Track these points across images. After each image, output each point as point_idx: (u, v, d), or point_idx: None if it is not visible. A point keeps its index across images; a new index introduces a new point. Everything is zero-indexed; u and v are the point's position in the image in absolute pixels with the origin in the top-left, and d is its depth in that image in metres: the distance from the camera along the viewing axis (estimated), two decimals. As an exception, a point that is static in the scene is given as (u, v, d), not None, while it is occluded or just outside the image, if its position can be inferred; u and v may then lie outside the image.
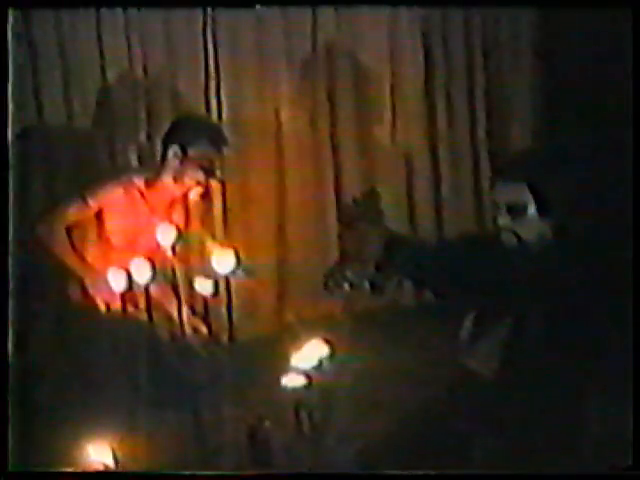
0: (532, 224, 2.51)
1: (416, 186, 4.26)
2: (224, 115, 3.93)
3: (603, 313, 2.43)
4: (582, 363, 2.46)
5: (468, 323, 2.67)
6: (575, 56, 4.00)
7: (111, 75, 3.79)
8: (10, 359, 2.78)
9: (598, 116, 3.86)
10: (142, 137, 3.85)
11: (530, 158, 2.71)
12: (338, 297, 2.61)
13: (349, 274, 2.52)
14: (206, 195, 3.48)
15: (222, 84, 3.95)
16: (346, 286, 2.54)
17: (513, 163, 2.72)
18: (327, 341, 2.53)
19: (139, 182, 3.34)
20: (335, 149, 4.11)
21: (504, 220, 2.53)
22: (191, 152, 3.31)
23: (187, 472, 2.47)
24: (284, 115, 4.04)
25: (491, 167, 4.19)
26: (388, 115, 4.19)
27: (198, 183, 3.34)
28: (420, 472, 2.33)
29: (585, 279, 2.41)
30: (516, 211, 2.51)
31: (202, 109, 3.92)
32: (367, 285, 2.53)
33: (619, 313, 2.45)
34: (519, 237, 2.52)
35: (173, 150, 3.32)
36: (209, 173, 3.34)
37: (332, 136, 4.11)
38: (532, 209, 2.50)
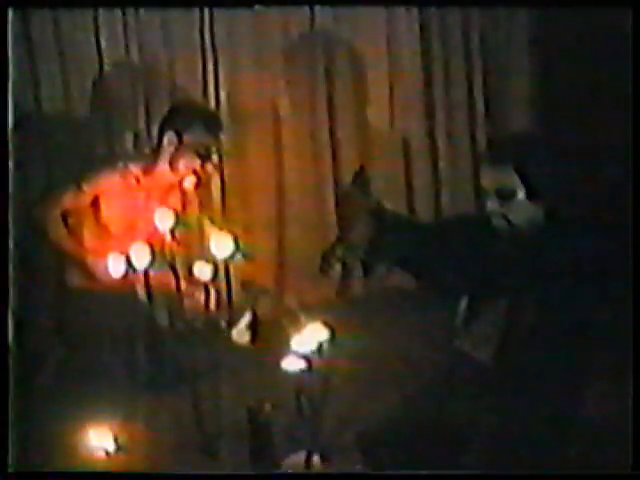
0: (522, 208, 2.50)
1: (413, 170, 4.26)
2: (222, 101, 3.93)
3: (598, 295, 2.43)
4: (578, 345, 2.47)
5: (463, 307, 2.67)
6: (572, 45, 4.01)
7: (108, 63, 3.79)
8: (10, 346, 2.79)
9: (594, 105, 3.88)
10: (140, 124, 3.85)
11: (517, 142, 2.70)
12: (332, 278, 2.60)
13: (341, 255, 2.51)
14: (203, 182, 3.47)
15: (219, 70, 3.94)
16: (338, 267, 2.53)
17: (500, 148, 2.71)
18: (327, 324, 2.53)
19: (135, 169, 3.34)
20: (333, 133, 4.11)
21: (493, 205, 2.53)
22: (186, 138, 3.31)
23: (187, 472, 2.48)
24: (282, 100, 4.03)
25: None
26: (386, 100, 4.18)
27: (194, 170, 3.34)
28: (421, 472, 2.33)
29: (578, 261, 2.41)
30: (505, 195, 2.50)
31: (199, 96, 3.90)
32: (359, 266, 2.52)
33: (614, 294, 2.45)
34: (509, 221, 2.51)
35: (168, 136, 3.32)
36: (205, 159, 3.34)
37: (330, 121, 4.11)
38: (521, 193, 2.49)
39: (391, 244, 2.49)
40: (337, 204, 3.01)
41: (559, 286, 2.40)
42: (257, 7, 3.89)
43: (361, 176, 2.54)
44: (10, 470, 2.32)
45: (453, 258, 2.51)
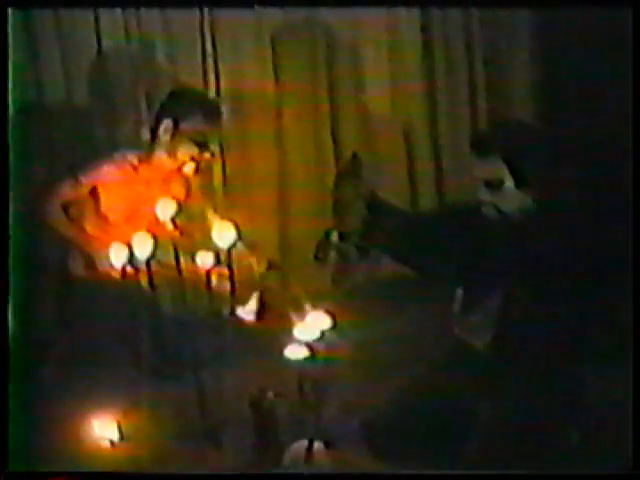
0: (511, 197, 2.50)
1: (415, 157, 4.26)
2: (222, 88, 3.92)
3: (593, 282, 2.44)
4: (575, 332, 2.47)
5: (459, 296, 2.68)
6: (571, 40, 4.03)
7: (108, 51, 3.78)
8: (12, 336, 2.79)
9: (592, 98, 3.89)
10: (139, 114, 3.84)
11: (505, 132, 2.70)
12: (328, 267, 2.60)
13: (336, 242, 2.51)
14: (205, 169, 3.47)
15: (219, 59, 3.93)
16: (333, 254, 2.53)
17: (487, 137, 2.71)
18: (329, 312, 2.53)
19: (131, 158, 3.33)
20: (334, 121, 4.11)
21: (483, 194, 2.53)
22: (183, 126, 3.30)
23: (188, 472, 2.48)
24: (283, 88, 4.03)
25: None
26: (387, 87, 4.18)
27: (192, 158, 3.33)
28: (424, 472, 2.34)
29: (572, 248, 2.41)
30: (494, 185, 2.50)
31: (200, 85, 3.89)
32: (354, 252, 2.52)
33: (610, 281, 2.46)
34: (499, 210, 2.51)
35: (165, 124, 3.31)
36: (202, 148, 3.33)
37: (331, 109, 4.10)
38: (510, 182, 2.49)
39: (384, 232, 2.49)
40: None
41: (553, 274, 2.41)
42: (257, 7, 3.89)
43: (354, 163, 2.54)
44: (10, 469, 2.33)
45: (446, 247, 2.51)
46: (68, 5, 3.61)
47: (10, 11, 2.86)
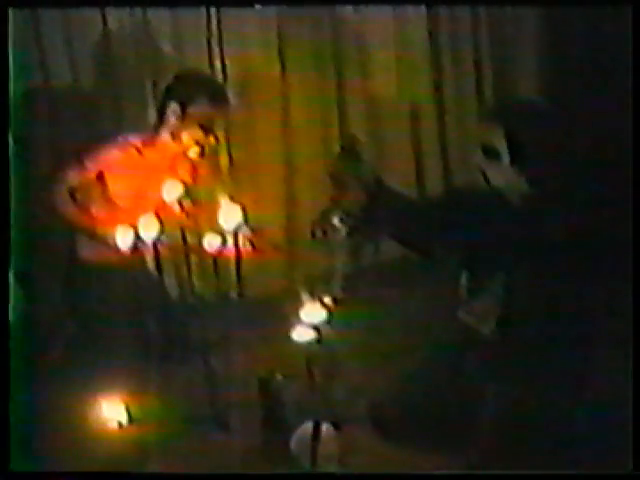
0: (503, 170, 2.50)
1: (421, 138, 4.26)
2: (229, 72, 3.91)
3: (594, 265, 2.44)
4: (578, 315, 2.47)
5: (464, 280, 2.68)
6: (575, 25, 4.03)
7: (114, 35, 3.77)
8: (18, 322, 2.79)
9: (595, 92, 3.89)
10: (145, 97, 3.84)
11: (511, 107, 2.70)
12: (333, 249, 2.59)
13: (336, 222, 2.50)
14: (211, 152, 3.46)
15: (225, 42, 3.93)
16: (332, 233, 2.53)
17: (495, 106, 2.71)
18: (335, 295, 2.53)
19: (136, 141, 3.33)
20: (341, 105, 4.11)
21: (478, 158, 2.53)
22: (191, 110, 3.30)
23: (189, 472, 2.49)
24: (290, 71, 4.02)
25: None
26: (394, 72, 4.18)
27: (197, 142, 3.33)
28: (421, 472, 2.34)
29: (572, 232, 2.41)
30: (490, 154, 2.50)
31: (206, 68, 3.89)
32: (357, 235, 2.51)
33: (610, 265, 2.46)
34: (488, 180, 2.52)
35: (172, 108, 3.31)
36: (208, 132, 3.33)
37: (338, 92, 4.10)
38: (506, 156, 2.49)
39: (388, 216, 2.49)
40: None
41: (557, 258, 2.41)
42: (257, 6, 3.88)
43: (350, 143, 2.53)
44: (14, 456, 2.33)
45: (451, 231, 2.50)
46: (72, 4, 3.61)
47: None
